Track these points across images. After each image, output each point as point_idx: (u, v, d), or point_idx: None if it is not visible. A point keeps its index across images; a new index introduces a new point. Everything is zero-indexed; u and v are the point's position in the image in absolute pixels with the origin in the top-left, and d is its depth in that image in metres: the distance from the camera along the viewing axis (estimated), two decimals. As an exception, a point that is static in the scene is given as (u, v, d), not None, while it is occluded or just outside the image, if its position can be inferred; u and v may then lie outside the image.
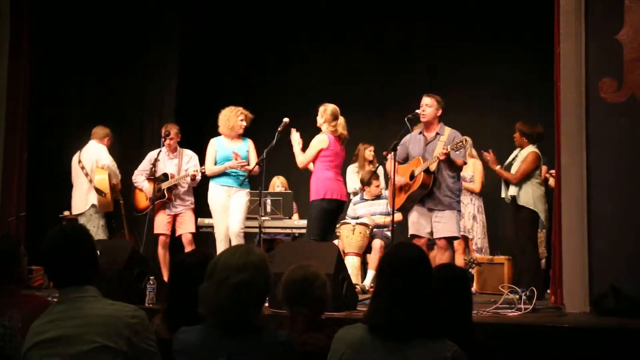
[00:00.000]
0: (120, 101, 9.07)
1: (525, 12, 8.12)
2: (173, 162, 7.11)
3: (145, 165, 7.14)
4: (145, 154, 7.31)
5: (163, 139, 7.03)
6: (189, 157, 7.19)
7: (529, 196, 6.37)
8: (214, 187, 6.72)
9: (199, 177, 7.02)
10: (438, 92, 6.07)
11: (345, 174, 7.75)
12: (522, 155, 6.52)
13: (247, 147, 6.72)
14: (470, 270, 7.26)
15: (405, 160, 6.06)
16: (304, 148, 6.30)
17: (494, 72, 8.76)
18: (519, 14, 8.34)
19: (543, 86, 6.76)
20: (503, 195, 6.57)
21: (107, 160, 7.27)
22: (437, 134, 5.92)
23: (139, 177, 7.15)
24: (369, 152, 8.10)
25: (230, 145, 6.70)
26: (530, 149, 6.49)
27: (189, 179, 6.99)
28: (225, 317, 2.43)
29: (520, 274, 6.43)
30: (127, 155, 7.67)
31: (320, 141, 6.22)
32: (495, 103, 8.96)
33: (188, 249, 6.79)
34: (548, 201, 6.47)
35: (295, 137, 6.33)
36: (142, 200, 7.18)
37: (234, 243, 6.40)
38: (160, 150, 7.02)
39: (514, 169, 6.53)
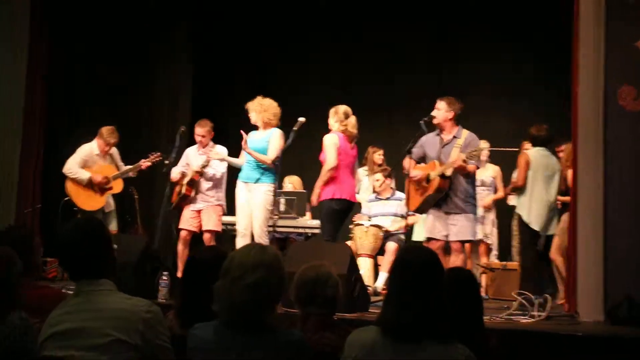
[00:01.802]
0: (135, 98, 9.10)
1: (535, 15, 8.11)
2: (202, 157, 7.10)
3: (182, 160, 7.18)
4: (165, 155, 7.36)
5: (197, 136, 7.07)
6: (217, 152, 7.13)
7: (519, 201, 6.38)
8: (238, 182, 6.68)
9: (212, 172, 6.99)
10: (450, 94, 6.05)
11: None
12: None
13: (268, 137, 6.58)
14: (480, 274, 7.28)
15: (422, 159, 6.05)
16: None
17: (504, 75, 8.76)
18: (529, 17, 8.33)
19: (558, 92, 6.72)
20: (512, 202, 6.59)
21: (67, 165, 7.28)
22: (454, 137, 5.91)
23: (175, 171, 7.14)
24: (377, 155, 8.09)
25: (255, 136, 6.66)
26: (528, 151, 6.50)
27: (199, 175, 6.97)
28: (239, 315, 2.44)
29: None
30: (142, 152, 7.67)
31: (331, 139, 6.23)
32: (504, 105, 8.93)
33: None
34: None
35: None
36: (175, 195, 7.23)
37: (257, 241, 6.31)
38: (195, 147, 7.12)
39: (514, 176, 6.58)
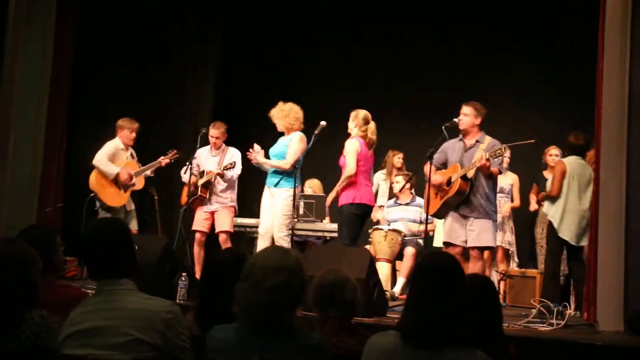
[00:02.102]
0: (158, 98, 9.16)
1: (536, 15, 8.09)
2: (215, 159, 7.16)
3: (194, 161, 7.23)
4: (181, 152, 7.42)
5: (211, 138, 7.12)
6: (232, 154, 7.21)
7: (552, 209, 6.32)
8: (265, 187, 6.71)
9: (230, 174, 7.03)
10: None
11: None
12: None
13: (287, 141, 6.58)
14: (499, 281, 7.25)
15: (444, 166, 6.04)
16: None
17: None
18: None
19: (583, 102, 6.67)
20: (545, 210, 6.54)
21: (97, 156, 7.31)
22: (477, 141, 5.89)
23: (184, 173, 7.24)
24: (397, 159, 8.09)
25: (280, 141, 6.68)
26: (562, 158, 6.45)
27: (219, 177, 7.02)
28: (260, 318, 2.45)
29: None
30: (163, 153, 7.72)
31: (353, 144, 6.26)
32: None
33: (223, 247, 6.81)
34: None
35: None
36: (184, 196, 7.27)
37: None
38: (207, 148, 7.17)
39: (548, 184, 6.50)
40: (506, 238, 7.56)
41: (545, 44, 8.25)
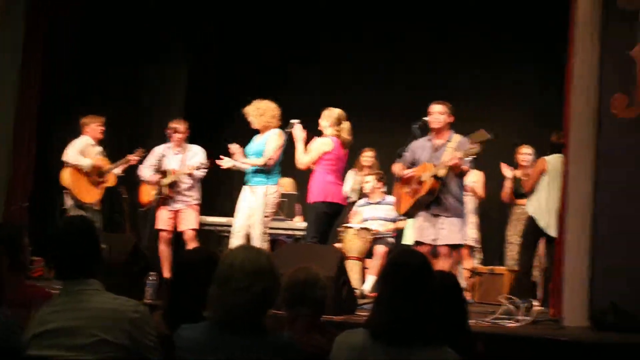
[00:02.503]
0: (127, 97, 9.09)
1: (535, 16, 8.14)
2: (177, 157, 7.11)
3: (151, 160, 7.16)
4: (147, 151, 7.37)
5: (170, 135, 7.05)
6: (194, 152, 7.14)
7: (532, 206, 6.41)
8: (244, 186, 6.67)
9: (198, 173, 7.00)
10: (443, 98, 6.07)
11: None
12: None
13: (266, 140, 6.52)
14: (469, 278, 7.33)
15: (412, 165, 6.04)
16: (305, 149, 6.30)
17: (498, 79, 8.78)
18: (529, 17, 8.35)
19: (551, 91, 6.75)
20: (526, 209, 6.64)
21: (68, 153, 7.24)
22: (447, 141, 5.92)
23: (146, 171, 7.15)
24: (366, 157, 8.02)
25: (255, 139, 6.64)
26: (546, 158, 6.53)
27: (186, 175, 6.98)
28: (236, 321, 2.44)
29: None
30: (131, 151, 7.66)
31: (323, 144, 6.25)
32: (498, 110, 8.94)
33: (190, 246, 6.78)
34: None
35: (300, 135, 6.31)
36: (145, 195, 7.20)
37: (256, 244, 6.23)
38: (166, 146, 7.08)
39: None
40: (470, 234, 7.59)
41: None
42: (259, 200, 6.38)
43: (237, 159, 6.56)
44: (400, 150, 5.96)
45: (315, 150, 6.24)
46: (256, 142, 6.59)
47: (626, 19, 5.43)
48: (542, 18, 8.03)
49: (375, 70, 9.31)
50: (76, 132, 7.44)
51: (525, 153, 7.51)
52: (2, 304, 2.65)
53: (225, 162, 6.65)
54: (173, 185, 7.00)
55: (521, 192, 7.06)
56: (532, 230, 6.42)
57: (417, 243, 5.96)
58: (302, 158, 6.27)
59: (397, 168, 6.06)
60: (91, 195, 7.30)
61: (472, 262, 7.68)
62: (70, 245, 2.65)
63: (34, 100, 7.60)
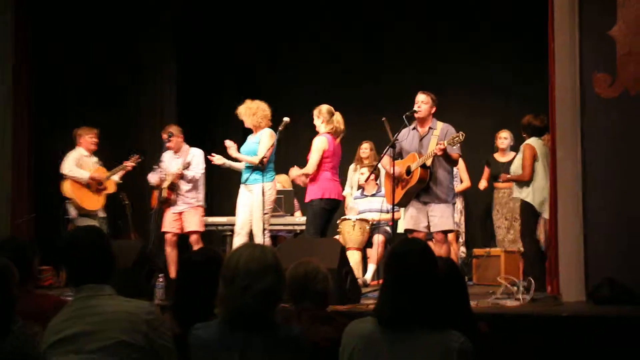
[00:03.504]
0: (121, 104, 9.13)
1: (521, 10, 8.18)
2: (178, 161, 7.21)
3: (160, 165, 7.25)
4: (143, 156, 7.49)
5: (166, 141, 7.15)
6: (192, 155, 7.22)
7: (525, 190, 6.48)
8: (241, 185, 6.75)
9: (191, 175, 7.09)
10: (433, 91, 6.15)
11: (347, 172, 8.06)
12: (520, 151, 6.62)
13: (259, 139, 6.60)
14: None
15: (400, 155, 6.10)
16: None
17: (489, 71, 8.83)
18: (515, 12, 8.41)
19: (538, 85, 6.85)
20: (516, 194, 6.66)
21: (65, 166, 7.34)
22: (430, 128, 5.99)
23: (153, 176, 7.28)
24: (363, 150, 8.14)
25: (249, 139, 6.73)
26: (528, 142, 6.57)
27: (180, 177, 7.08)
28: (247, 317, 2.49)
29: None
30: (127, 157, 7.74)
31: (321, 142, 6.35)
32: (490, 102, 9.04)
33: (195, 247, 6.87)
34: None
35: (295, 172, 6.44)
36: (155, 199, 7.33)
37: (258, 241, 6.36)
38: (170, 151, 7.20)
39: (514, 167, 6.66)
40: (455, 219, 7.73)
41: (524, 28, 8.31)
42: (256, 198, 6.47)
43: (232, 153, 6.64)
44: (393, 141, 6.01)
45: (317, 152, 6.34)
46: (250, 141, 6.70)
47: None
48: (528, 13, 8.10)
49: (370, 67, 9.35)
50: (72, 144, 7.53)
51: (503, 137, 7.84)
52: (16, 317, 2.68)
53: (216, 159, 6.77)
54: (172, 187, 7.10)
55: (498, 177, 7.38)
56: (529, 213, 6.50)
57: (409, 231, 6.01)
58: (310, 167, 6.34)
59: (385, 161, 6.15)
60: (94, 202, 7.41)
61: (456, 246, 7.82)
62: (83, 253, 2.70)
63: (27, 118, 7.67)
